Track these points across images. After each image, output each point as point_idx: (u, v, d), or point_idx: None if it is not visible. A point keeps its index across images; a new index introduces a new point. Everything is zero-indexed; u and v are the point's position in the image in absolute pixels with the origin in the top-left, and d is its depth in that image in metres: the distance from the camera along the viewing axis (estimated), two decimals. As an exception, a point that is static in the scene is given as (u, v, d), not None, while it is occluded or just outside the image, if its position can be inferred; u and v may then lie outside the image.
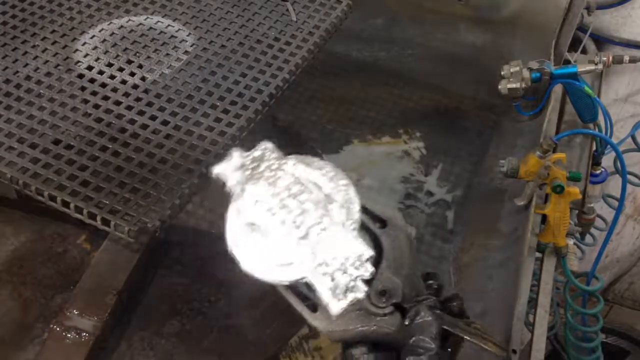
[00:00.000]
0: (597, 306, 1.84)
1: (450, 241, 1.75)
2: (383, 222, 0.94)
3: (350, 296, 0.81)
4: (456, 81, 2.16)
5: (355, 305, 0.84)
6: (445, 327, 0.93)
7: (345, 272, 0.81)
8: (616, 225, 1.79)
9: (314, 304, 0.87)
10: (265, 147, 0.93)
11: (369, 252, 0.83)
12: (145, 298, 1.44)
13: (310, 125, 2.05)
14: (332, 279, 0.81)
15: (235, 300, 1.46)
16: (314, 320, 0.87)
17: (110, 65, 1.50)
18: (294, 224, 0.84)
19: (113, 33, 1.57)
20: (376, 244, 0.93)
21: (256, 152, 0.93)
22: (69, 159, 1.32)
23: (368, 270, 0.82)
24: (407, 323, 0.89)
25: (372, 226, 0.92)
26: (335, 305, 0.80)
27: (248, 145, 0.96)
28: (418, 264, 0.94)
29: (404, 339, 0.89)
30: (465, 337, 0.97)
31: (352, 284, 0.81)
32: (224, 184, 0.91)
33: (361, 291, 0.81)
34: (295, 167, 0.91)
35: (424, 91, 2.15)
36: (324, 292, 0.81)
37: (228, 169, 0.90)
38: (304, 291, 0.87)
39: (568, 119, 1.85)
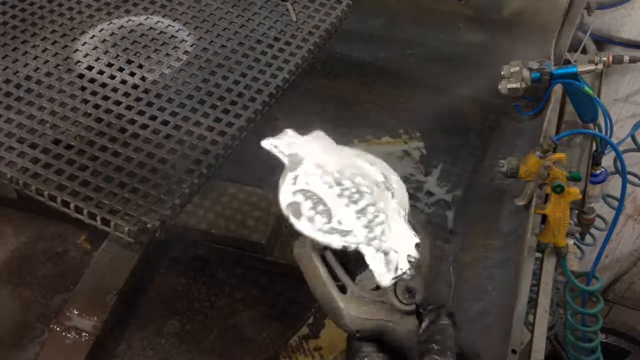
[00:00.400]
0: (597, 306, 1.83)
1: (450, 241, 1.75)
2: (414, 228, 0.97)
3: (400, 272, 0.86)
4: (456, 81, 2.16)
5: (382, 298, 0.88)
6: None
7: (396, 251, 0.86)
8: (616, 225, 1.79)
9: (344, 286, 0.89)
10: (318, 134, 1.01)
11: (417, 239, 0.89)
12: (145, 298, 1.44)
13: (310, 126, 2.05)
14: (385, 254, 0.86)
15: (235, 300, 1.46)
16: (342, 301, 0.89)
17: (110, 65, 1.50)
18: (351, 199, 0.89)
19: (113, 33, 1.57)
20: None
21: (308, 137, 0.99)
22: (69, 159, 1.32)
23: (415, 255, 0.88)
24: (425, 324, 0.93)
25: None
26: (386, 277, 0.85)
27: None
28: (434, 273, 0.96)
29: (415, 345, 0.91)
30: None
31: (401, 263, 0.86)
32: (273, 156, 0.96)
33: (408, 272, 0.86)
34: (350, 154, 0.97)
35: (424, 91, 2.15)
36: (377, 263, 0.85)
37: (282, 143, 0.97)
38: (338, 271, 0.90)
39: (568, 119, 1.85)
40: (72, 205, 1.25)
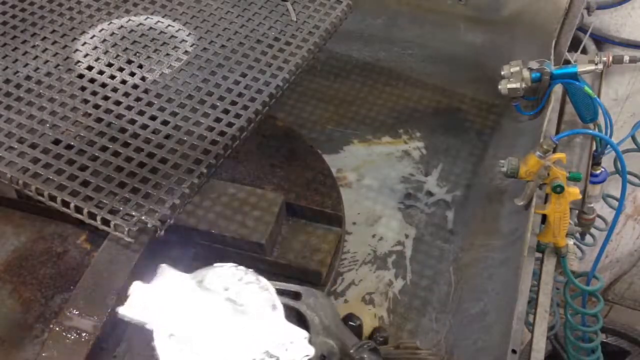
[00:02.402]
0: (597, 306, 1.83)
1: (450, 241, 1.75)
2: (298, 295, 0.97)
3: None
4: (456, 81, 2.16)
5: None
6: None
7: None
8: (616, 225, 1.79)
9: None
10: (163, 272, 0.95)
11: (304, 334, 0.88)
12: (145, 298, 1.44)
13: (310, 125, 2.05)
14: None
15: (235, 300, 1.46)
16: None
17: (110, 65, 1.50)
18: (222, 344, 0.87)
19: (113, 33, 1.57)
20: (299, 316, 0.97)
21: (155, 282, 0.94)
22: (69, 159, 1.32)
23: (310, 352, 0.87)
24: None
25: (291, 302, 0.95)
26: None
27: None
28: (338, 316, 0.98)
29: None
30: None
31: None
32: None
33: None
34: (191, 289, 0.93)
35: (424, 91, 2.15)
36: None
37: (133, 310, 0.92)
38: None
39: (568, 119, 1.85)
40: (72, 205, 1.25)
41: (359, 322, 0.98)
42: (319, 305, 0.97)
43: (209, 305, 0.91)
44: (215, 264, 0.95)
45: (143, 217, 1.23)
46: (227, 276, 0.94)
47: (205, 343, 0.88)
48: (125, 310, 0.92)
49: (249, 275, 0.94)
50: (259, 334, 0.88)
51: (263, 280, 0.93)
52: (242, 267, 0.95)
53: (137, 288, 0.94)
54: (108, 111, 1.41)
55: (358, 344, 0.95)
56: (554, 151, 1.55)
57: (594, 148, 1.83)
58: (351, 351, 0.94)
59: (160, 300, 0.92)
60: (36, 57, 1.51)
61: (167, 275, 0.95)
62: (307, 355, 0.87)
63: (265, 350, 0.87)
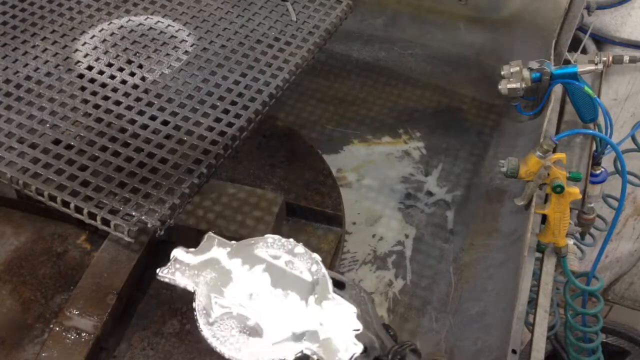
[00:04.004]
0: (597, 306, 1.83)
1: (450, 241, 1.75)
2: (341, 284, 0.96)
3: (351, 351, 0.84)
4: (456, 81, 2.16)
5: None
6: None
7: (339, 335, 0.85)
8: (616, 225, 1.79)
9: None
10: (209, 239, 0.95)
11: (353, 309, 0.87)
12: (145, 298, 1.44)
13: (310, 125, 2.05)
14: (329, 343, 0.84)
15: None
16: None
17: (110, 65, 1.50)
18: (273, 302, 0.87)
19: (113, 33, 1.57)
20: None
21: (201, 248, 0.94)
22: (69, 159, 1.32)
23: (358, 326, 0.86)
24: None
25: (335, 290, 0.93)
26: None
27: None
28: (378, 317, 0.97)
29: None
30: None
31: (348, 342, 0.85)
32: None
33: (358, 348, 0.85)
34: (248, 248, 0.93)
35: (424, 91, 2.15)
36: (326, 357, 0.83)
37: (178, 272, 0.92)
38: None
39: (568, 119, 1.85)
40: (72, 205, 1.25)
41: (393, 332, 0.98)
42: (361, 299, 0.95)
43: (256, 271, 0.90)
44: (266, 235, 0.95)
45: (143, 217, 1.23)
46: (277, 246, 0.93)
47: (248, 307, 0.87)
48: (165, 272, 0.92)
49: (299, 247, 0.94)
50: (308, 303, 0.87)
51: (313, 254, 0.93)
52: (292, 240, 0.94)
53: (177, 252, 0.93)
54: (108, 111, 1.41)
55: (400, 343, 0.94)
56: (554, 151, 1.55)
57: (594, 148, 1.83)
58: (394, 348, 0.93)
59: (203, 263, 0.91)
60: (36, 57, 1.51)
61: (213, 242, 0.94)
62: (357, 330, 0.86)
63: (315, 319, 0.86)
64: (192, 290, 0.90)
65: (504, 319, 1.38)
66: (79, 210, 1.25)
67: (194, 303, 0.89)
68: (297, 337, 0.85)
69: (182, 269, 0.92)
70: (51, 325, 1.35)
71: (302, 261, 0.93)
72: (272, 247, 0.94)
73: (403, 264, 1.70)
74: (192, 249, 0.94)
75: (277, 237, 0.95)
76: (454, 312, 1.58)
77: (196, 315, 0.88)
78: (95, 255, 1.44)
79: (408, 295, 1.64)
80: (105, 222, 1.24)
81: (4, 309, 1.40)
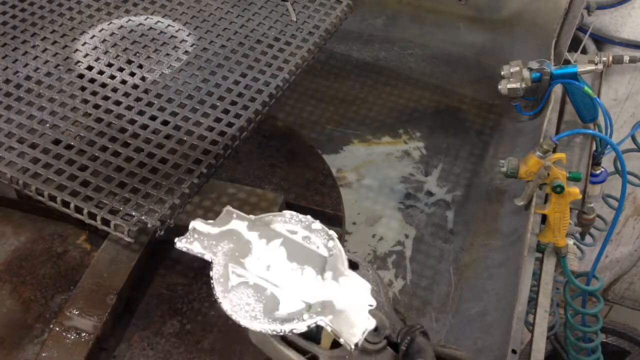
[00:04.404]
0: (597, 306, 1.84)
1: (450, 241, 1.75)
2: (355, 265, 0.96)
3: (363, 327, 0.84)
4: (456, 81, 2.16)
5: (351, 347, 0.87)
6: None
7: (352, 309, 0.85)
8: (616, 225, 1.79)
9: (314, 356, 0.89)
10: (228, 212, 0.95)
11: (368, 285, 0.88)
12: (145, 298, 1.44)
13: (310, 125, 2.05)
14: (342, 317, 0.84)
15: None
16: None
17: (110, 65, 1.50)
18: (290, 274, 0.88)
19: (113, 33, 1.57)
20: None
21: (219, 220, 0.95)
22: (69, 159, 1.32)
23: (372, 302, 0.86)
24: (403, 349, 0.92)
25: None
26: (353, 339, 0.83)
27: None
28: (390, 300, 0.99)
29: None
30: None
31: (361, 317, 0.85)
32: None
33: (371, 323, 0.85)
34: (265, 222, 0.94)
35: (424, 91, 2.15)
36: (338, 330, 0.84)
37: (196, 241, 0.92)
38: (303, 345, 0.89)
39: (568, 119, 1.85)
40: (72, 205, 1.25)
41: (402, 317, 0.98)
42: (373, 281, 0.95)
43: (274, 245, 0.91)
44: (284, 211, 0.96)
45: (143, 217, 1.23)
46: (295, 222, 0.94)
47: (265, 277, 0.88)
48: (183, 242, 0.92)
49: (316, 223, 0.94)
50: (324, 276, 0.88)
51: (330, 231, 0.94)
52: (309, 217, 0.95)
53: (196, 223, 0.93)
54: (108, 111, 1.41)
55: (410, 325, 0.95)
56: (554, 151, 1.55)
57: (594, 148, 1.83)
58: (404, 330, 0.93)
59: (221, 235, 0.92)
60: (36, 57, 1.51)
61: (232, 215, 0.95)
62: (371, 305, 0.86)
63: (330, 293, 0.86)
64: (210, 260, 0.91)
65: (504, 319, 1.38)
66: (79, 210, 1.25)
67: (211, 272, 0.89)
68: (312, 308, 0.85)
69: (200, 238, 0.92)
70: (51, 325, 1.35)
71: (319, 237, 0.93)
72: (289, 222, 0.94)
73: (403, 264, 1.70)
74: (211, 221, 0.95)
75: (294, 213, 0.96)
76: (454, 312, 1.58)
77: (213, 284, 0.88)
78: (95, 255, 1.44)
79: (408, 295, 1.64)
80: (105, 222, 1.23)
81: (4, 309, 1.40)
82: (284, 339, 0.89)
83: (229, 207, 0.96)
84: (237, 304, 0.86)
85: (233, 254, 0.90)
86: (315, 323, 0.84)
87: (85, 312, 1.33)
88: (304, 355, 0.90)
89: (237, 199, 1.55)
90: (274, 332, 0.84)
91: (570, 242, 1.58)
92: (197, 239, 0.92)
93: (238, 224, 0.94)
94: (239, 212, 0.96)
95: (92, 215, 1.24)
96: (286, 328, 0.84)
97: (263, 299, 0.86)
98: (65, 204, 1.26)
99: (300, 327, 0.84)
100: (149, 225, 1.22)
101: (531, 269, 1.46)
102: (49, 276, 1.46)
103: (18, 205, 1.56)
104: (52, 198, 1.27)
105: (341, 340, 0.84)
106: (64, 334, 1.31)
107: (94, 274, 1.40)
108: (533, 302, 1.49)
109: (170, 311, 1.42)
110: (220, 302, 0.86)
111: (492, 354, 1.37)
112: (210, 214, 1.52)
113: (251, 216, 0.96)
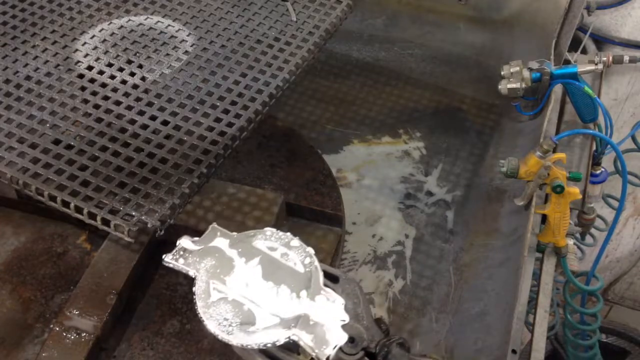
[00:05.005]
0: (597, 306, 1.84)
1: (450, 241, 1.75)
2: (335, 278, 1.01)
3: (334, 341, 0.89)
4: (456, 81, 2.16)
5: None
6: None
7: (324, 324, 0.90)
8: (616, 225, 1.79)
9: None
10: (213, 230, 1.02)
11: (341, 300, 0.93)
12: (145, 298, 1.44)
13: (310, 125, 2.05)
14: (315, 332, 0.90)
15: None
16: None
17: (110, 65, 1.50)
18: (267, 292, 0.94)
19: (113, 33, 1.57)
20: None
21: (205, 238, 1.01)
22: (69, 159, 1.32)
23: (344, 317, 0.91)
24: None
25: (328, 283, 0.99)
26: (324, 353, 0.88)
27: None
28: (370, 312, 1.02)
29: None
30: None
31: (334, 332, 0.90)
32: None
33: (342, 338, 0.90)
34: (246, 239, 1.00)
35: (424, 91, 2.15)
36: (310, 345, 0.89)
37: (182, 257, 0.98)
38: (281, 357, 0.94)
39: (568, 119, 1.85)
40: (72, 205, 1.25)
41: (385, 327, 1.01)
42: (353, 294, 1.00)
43: (252, 261, 0.97)
44: (265, 228, 1.02)
45: (143, 217, 1.23)
46: (275, 239, 1.00)
47: (243, 294, 0.93)
48: (170, 258, 0.98)
49: (295, 240, 1.00)
50: (299, 292, 0.93)
51: (308, 248, 0.99)
52: (289, 234, 1.00)
53: (183, 241, 1.00)
54: (108, 111, 1.41)
55: (388, 337, 0.98)
56: (554, 151, 1.55)
57: (594, 148, 1.83)
58: (382, 341, 0.97)
59: (204, 252, 0.99)
60: (36, 57, 1.51)
61: (216, 233, 1.01)
62: (343, 320, 0.91)
63: (304, 309, 0.91)
64: (193, 276, 0.96)
65: (504, 319, 1.38)
66: (79, 210, 1.25)
67: (194, 287, 0.95)
68: (287, 324, 0.90)
69: (185, 255, 0.98)
70: (51, 325, 1.35)
71: (297, 254, 0.98)
72: (269, 239, 1.00)
73: (403, 264, 1.70)
74: (197, 238, 1.01)
75: (274, 230, 1.01)
76: (454, 312, 1.58)
77: (195, 299, 0.94)
78: (95, 255, 1.44)
79: (408, 295, 1.64)
80: (105, 222, 1.24)
81: (4, 309, 1.40)
82: (264, 352, 0.93)
83: (214, 225, 1.03)
84: (216, 318, 0.92)
85: (215, 270, 0.96)
86: (288, 338, 0.89)
87: (85, 312, 1.33)
88: None
89: (237, 199, 1.56)
90: (249, 347, 0.90)
91: (570, 242, 1.58)
92: (183, 255, 0.98)
93: (221, 241, 1.00)
94: (223, 229, 1.02)
95: (92, 215, 1.24)
96: (260, 342, 0.89)
97: (240, 314, 0.92)
98: (65, 204, 1.26)
99: (274, 341, 0.89)
100: (149, 225, 1.22)
101: (531, 269, 1.46)
102: (49, 276, 1.46)
103: (18, 205, 1.56)
104: (52, 198, 1.27)
105: (313, 355, 0.89)
106: (64, 334, 1.31)
107: (94, 274, 1.40)
108: (533, 302, 1.49)
109: (170, 311, 1.42)
110: (201, 317, 0.92)
111: (492, 354, 1.37)
112: (210, 214, 1.52)
113: (234, 233, 1.02)
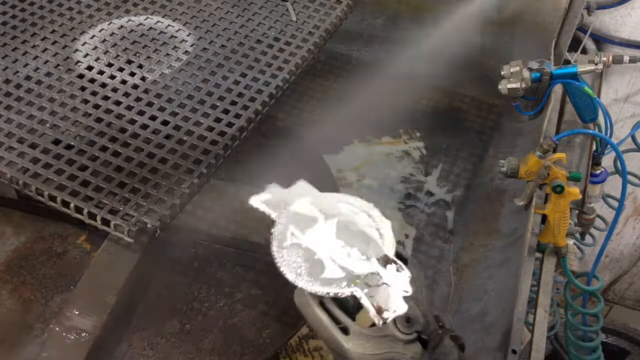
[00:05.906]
0: (597, 306, 1.83)
1: (450, 241, 1.75)
2: (405, 260, 1.01)
3: (393, 309, 0.91)
4: (456, 81, 2.16)
5: (384, 332, 0.92)
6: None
7: (389, 290, 0.92)
8: (616, 225, 1.79)
9: (345, 328, 0.93)
10: (301, 185, 1.06)
11: (408, 273, 0.95)
12: (145, 298, 1.44)
13: (310, 125, 2.05)
14: (378, 295, 0.91)
15: (235, 300, 1.46)
16: (346, 342, 0.93)
17: (110, 65, 1.50)
18: (341, 247, 0.96)
19: (113, 33, 1.57)
20: None
21: (293, 189, 1.05)
22: (69, 159, 1.32)
23: (408, 289, 0.93)
24: (430, 349, 0.96)
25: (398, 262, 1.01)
26: (382, 318, 0.90)
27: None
28: (430, 305, 1.01)
29: None
30: None
31: (396, 299, 0.92)
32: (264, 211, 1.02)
33: (402, 307, 0.91)
34: (334, 200, 1.03)
35: (424, 91, 2.15)
36: (370, 305, 0.90)
37: (269, 199, 1.02)
38: (338, 315, 0.94)
39: (568, 119, 1.85)
40: (72, 205, 1.25)
41: (442, 323, 1.02)
42: (418, 279, 1.00)
43: (331, 220, 1.00)
44: (348, 195, 1.05)
45: (143, 217, 1.23)
46: (357, 205, 1.03)
47: (317, 245, 0.96)
48: (255, 201, 1.02)
49: (376, 210, 1.02)
50: (370, 257, 0.95)
51: (386, 219, 1.01)
52: (371, 204, 1.03)
53: (272, 187, 1.04)
54: (108, 111, 1.41)
55: (444, 328, 0.99)
56: (554, 151, 1.55)
57: (594, 148, 1.83)
58: (435, 330, 0.97)
59: (289, 200, 1.02)
60: (36, 57, 1.51)
61: (303, 186, 1.05)
62: (406, 292, 0.93)
63: (373, 269, 0.94)
64: (274, 219, 1.00)
65: (504, 319, 1.38)
66: (79, 210, 1.25)
67: (272, 229, 0.98)
68: (352, 280, 0.93)
69: (270, 199, 1.02)
70: (51, 325, 1.35)
71: (375, 222, 1.01)
72: (352, 204, 1.03)
73: (403, 264, 1.70)
74: (284, 189, 1.05)
75: (358, 197, 1.04)
76: (454, 312, 1.58)
77: (271, 238, 0.97)
78: (95, 255, 1.44)
79: (408, 295, 1.64)
80: (105, 222, 1.24)
81: (4, 309, 1.40)
82: (323, 305, 0.94)
83: (302, 180, 1.06)
84: (287, 260, 0.95)
85: (295, 218, 1.00)
86: (352, 292, 0.91)
87: (85, 312, 1.33)
88: (337, 324, 0.95)
89: (237, 199, 1.55)
90: (314, 292, 0.92)
91: (570, 242, 1.58)
92: (268, 199, 1.02)
93: (308, 192, 1.04)
94: (309, 185, 1.06)
95: (92, 215, 1.24)
96: (325, 290, 0.92)
97: (311, 261, 0.94)
98: (65, 204, 1.26)
99: (338, 292, 0.91)
100: (149, 225, 1.22)
101: (531, 269, 1.46)
102: (49, 276, 1.46)
103: (18, 205, 1.56)
104: (52, 198, 1.27)
105: (370, 314, 0.90)
106: (64, 334, 1.31)
107: (94, 274, 1.40)
108: (533, 302, 1.49)
109: (170, 311, 1.42)
110: (274, 257, 0.95)
111: (492, 354, 1.37)
112: (210, 214, 1.52)
113: (320, 193, 1.05)
